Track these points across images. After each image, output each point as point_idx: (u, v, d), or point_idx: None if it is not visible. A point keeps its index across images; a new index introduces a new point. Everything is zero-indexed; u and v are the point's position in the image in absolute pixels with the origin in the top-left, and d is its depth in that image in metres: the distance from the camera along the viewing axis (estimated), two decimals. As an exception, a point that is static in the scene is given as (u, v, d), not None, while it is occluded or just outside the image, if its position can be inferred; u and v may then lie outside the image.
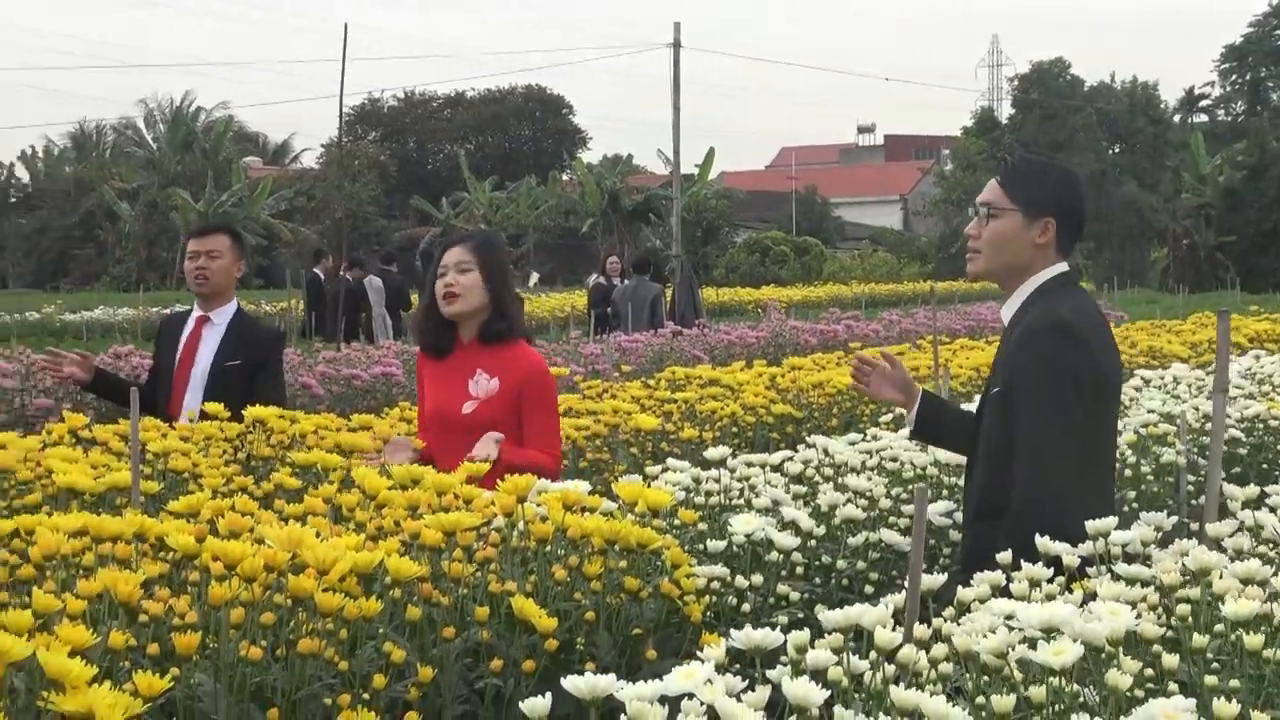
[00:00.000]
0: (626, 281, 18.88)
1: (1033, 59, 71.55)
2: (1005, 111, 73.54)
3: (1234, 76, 74.37)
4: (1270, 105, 72.66)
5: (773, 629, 2.40)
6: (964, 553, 3.92)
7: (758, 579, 3.57)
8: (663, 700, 2.15)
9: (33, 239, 56.54)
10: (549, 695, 2.15)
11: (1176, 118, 71.17)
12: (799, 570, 3.80)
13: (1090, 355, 3.68)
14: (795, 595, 3.64)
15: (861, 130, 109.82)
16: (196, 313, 6.18)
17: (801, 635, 2.35)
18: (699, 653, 2.41)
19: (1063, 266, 3.87)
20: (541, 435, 4.80)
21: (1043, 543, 3.09)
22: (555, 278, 52.96)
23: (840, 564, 3.96)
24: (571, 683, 2.16)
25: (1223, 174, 58.36)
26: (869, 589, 3.94)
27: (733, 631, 2.45)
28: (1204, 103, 75.63)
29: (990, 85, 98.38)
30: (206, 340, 6.10)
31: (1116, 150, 64.91)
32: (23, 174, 64.57)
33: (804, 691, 2.11)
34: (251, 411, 4.85)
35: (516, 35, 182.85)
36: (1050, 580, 2.89)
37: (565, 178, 62.39)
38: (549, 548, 3.24)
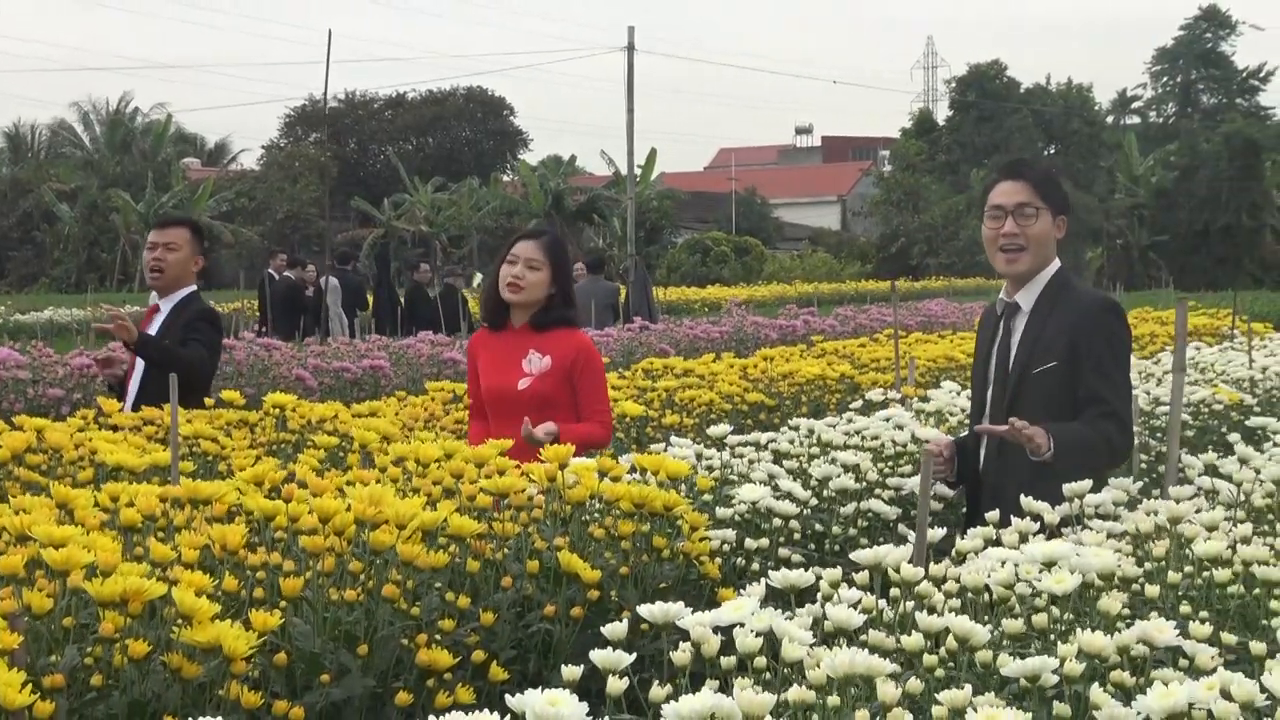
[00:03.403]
0: (580, 281, 19.15)
1: (969, 61, 72.27)
2: (942, 113, 74.32)
3: (1165, 79, 75.59)
4: (1200, 107, 73.92)
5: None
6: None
7: (764, 543, 3.94)
8: (715, 630, 2.49)
9: (-34, 240, 55.98)
10: (625, 621, 2.47)
11: (1110, 119, 72.16)
12: (795, 536, 4.17)
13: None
14: (797, 558, 4.00)
15: (799, 131, 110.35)
16: (153, 303, 6.34)
17: (835, 572, 2.70)
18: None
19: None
20: (594, 404, 5.23)
21: (1027, 502, 3.47)
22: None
23: (835, 530, 4.32)
24: (647, 610, 2.49)
25: (1155, 175, 59.38)
26: (860, 553, 4.31)
27: (770, 573, 2.79)
28: (1136, 105, 76.76)
29: (926, 87, 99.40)
30: (152, 327, 6.20)
31: (1051, 151, 65.71)
32: (-44, 175, 63.89)
33: (845, 615, 2.46)
34: (272, 398, 5.17)
35: (453, 38, 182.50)
36: (1035, 534, 3.27)
37: (507, 179, 62.52)
38: (583, 510, 3.58)
